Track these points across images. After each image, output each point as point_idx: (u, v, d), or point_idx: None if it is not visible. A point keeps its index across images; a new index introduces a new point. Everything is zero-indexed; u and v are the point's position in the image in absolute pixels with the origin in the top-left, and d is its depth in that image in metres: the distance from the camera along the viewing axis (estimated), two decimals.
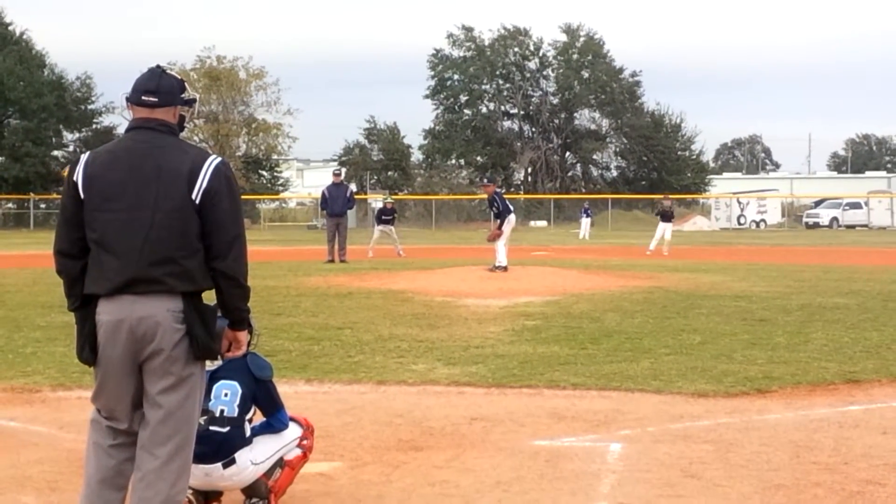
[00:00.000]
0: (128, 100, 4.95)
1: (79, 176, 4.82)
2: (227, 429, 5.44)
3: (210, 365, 5.47)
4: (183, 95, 4.97)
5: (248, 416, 5.57)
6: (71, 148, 76.58)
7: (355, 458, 7.02)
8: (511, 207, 22.42)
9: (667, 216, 35.31)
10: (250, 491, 5.60)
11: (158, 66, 4.99)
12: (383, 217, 33.68)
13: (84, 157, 4.87)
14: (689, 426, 7.95)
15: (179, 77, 5.03)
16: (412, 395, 9.24)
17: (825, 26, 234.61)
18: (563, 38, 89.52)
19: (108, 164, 4.83)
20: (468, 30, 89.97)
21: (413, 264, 26.54)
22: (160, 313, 4.69)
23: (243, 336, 5.04)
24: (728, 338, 12.42)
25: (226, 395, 5.49)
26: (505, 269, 20.96)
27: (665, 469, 6.68)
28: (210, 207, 4.74)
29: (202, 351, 4.79)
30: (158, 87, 4.89)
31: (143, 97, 4.88)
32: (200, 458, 5.32)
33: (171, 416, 4.80)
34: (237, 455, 5.45)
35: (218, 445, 5.41)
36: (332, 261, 27.27)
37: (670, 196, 42.88)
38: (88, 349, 4.81)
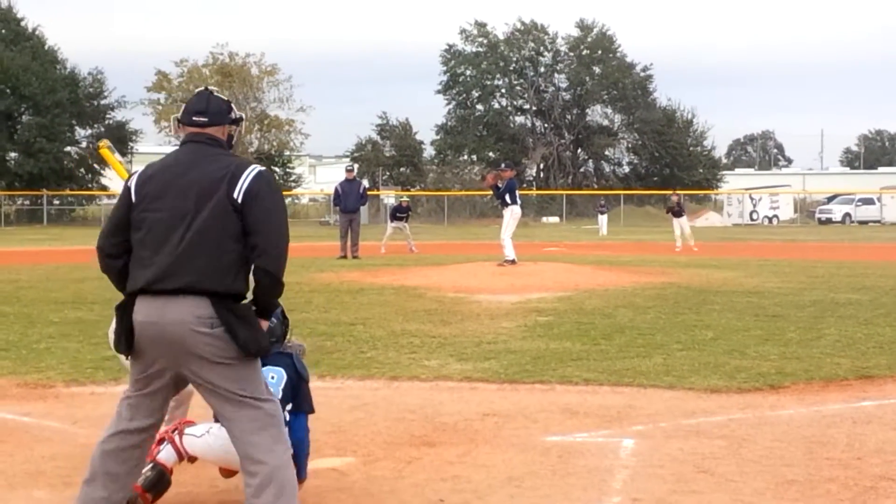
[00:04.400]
0: (179, 121, 5.24)
1: (133, 181, 5.13)
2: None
3: None
4: (231, 115, 5.26)
5: (287, 407, 5.69)
6: (84, 144, 76.71)
7: (368, 453, 7.03)
8: (518, 200, 22.30)
9: (677, 212, 35.62)
10: None
11: (207, 88, 5.32)
12: (398, 214, 33.74)
13: (141, 167, 5.22)
14: (702, 422, 7.94)
15: (226, 98, 5.33)
16: (425, 391, 9.25)
17: (838, 21, 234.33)
18: (576, 33, 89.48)
19: (158, 170, 5.14)
20: (481, 25, 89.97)
21: (425, 260, 26.56)
22: (189, 319, 4.84)
23: (265, 324, 5.15)
24: (741, 333, 12.40)
25: (272, 377, 5.66)
26: (513, 262, 20.93)
27: (678, 465, 6.68)
28: (252, 205, 4.92)
29: (250, 349, 4.92)
30: (208, 107, 5.19)
31: (194, 118, 5.18)
32: None
33: (240, 403, 4.99)
34: None
35: None
36: (344, 257, 27.30)
37: (678, 191, 42.93)
38: (125, 343, 5.05)
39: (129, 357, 5.11)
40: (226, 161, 5.06)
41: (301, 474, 5.74)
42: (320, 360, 10.62)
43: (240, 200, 4.90)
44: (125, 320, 5.00)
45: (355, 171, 31.44)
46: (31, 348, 11.37)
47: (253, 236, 4.91)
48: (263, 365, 5.50)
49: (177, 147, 5.25)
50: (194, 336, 4.84)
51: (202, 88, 5.31)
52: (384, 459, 6.86)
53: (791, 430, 7.64)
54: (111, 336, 5.30)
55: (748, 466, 6.64)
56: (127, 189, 5.12)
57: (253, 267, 4.96)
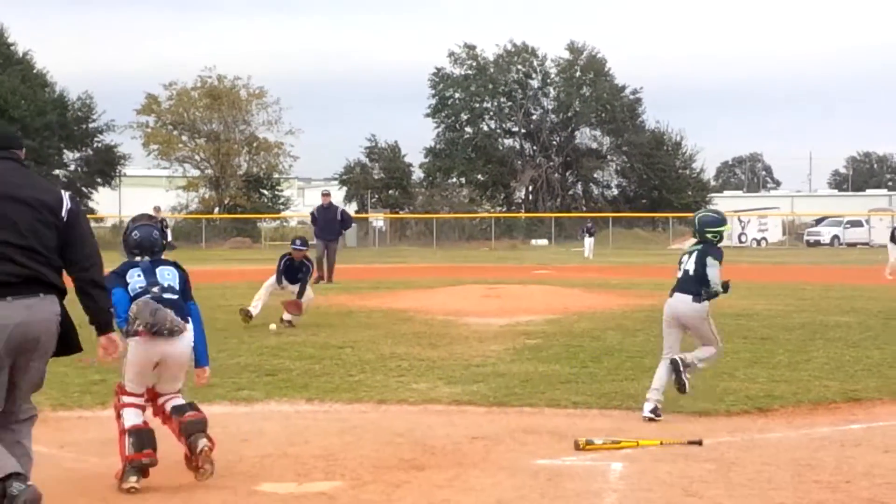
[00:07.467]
0: None
1: None
2: (177, 296, 6.82)
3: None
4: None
5: (186, 300, 6.92)
6: (72, 167, 76.57)
7: (356, 477, 7.01)
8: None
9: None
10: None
11: None
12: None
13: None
14: (691, 445, 7.94)
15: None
16: (413, 414, 9.24)
17: (825, 44, 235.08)
18: (566, 55, 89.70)
19: None
20: (470, 48, 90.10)
21: (414, 283, 26.53)
22: (50, 318, 5.51)
23: (115, 336, 5.89)
24: (729, 356, 12.38)
25: (168, 274, 6.89)
26: None
27: (666, 488, 6.67)
28: (75, 224, 5.70)
29: (72, 348, 5.67)
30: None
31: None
32: None
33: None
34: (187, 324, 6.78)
35: (177, 308, 6.71)
36: (320, 279, 26.41)
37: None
38: None
39: None
40: (45, 183, 5.82)
41: (203, 361, 6.98)
42: (308, 383, 10.61)
43: (66, 219, 5.64)
44: None
45: (331, 196, 29.88)
46: None
47: (74, 250, 5.64)
48: (158, 265, 6.89)
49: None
50: (51, 334, 5.52)
51: None
52: (373, 483, 6.84)
53: (779, 454, 7.65)
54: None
55: (736, 490, 6.63)
56: None
57: (79, 281, 5.62)
